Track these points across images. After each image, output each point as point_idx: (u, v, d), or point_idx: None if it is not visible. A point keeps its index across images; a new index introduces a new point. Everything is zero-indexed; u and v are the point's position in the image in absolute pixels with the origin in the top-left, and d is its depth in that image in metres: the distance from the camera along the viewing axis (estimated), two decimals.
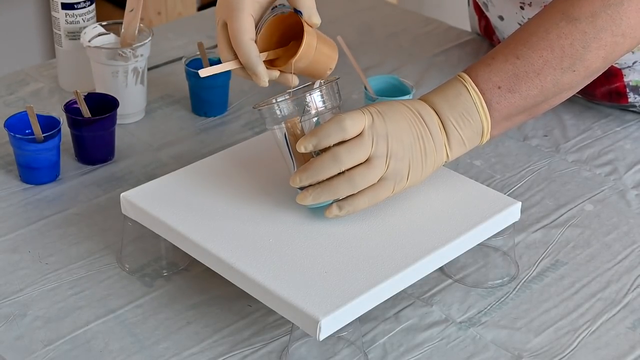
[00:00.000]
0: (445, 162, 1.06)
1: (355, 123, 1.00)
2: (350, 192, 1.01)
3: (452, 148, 1.06)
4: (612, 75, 1.35)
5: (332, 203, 1.02)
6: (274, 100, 1.05)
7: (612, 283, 1.10)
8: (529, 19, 1.35)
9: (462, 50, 1.59)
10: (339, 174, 1.01)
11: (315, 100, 1.04)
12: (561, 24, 1.06)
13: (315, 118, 1.04)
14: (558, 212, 1.21)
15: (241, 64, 1.06)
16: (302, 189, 1.03)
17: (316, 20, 1.09)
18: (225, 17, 1.07)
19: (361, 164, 1.01)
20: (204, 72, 1.07)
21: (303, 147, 1.01)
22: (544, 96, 1.08)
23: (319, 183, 1.01)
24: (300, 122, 1.03)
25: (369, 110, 1.02)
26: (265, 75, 1.06)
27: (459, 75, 1.07)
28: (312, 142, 1.01)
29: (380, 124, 1.01)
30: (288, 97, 1.05)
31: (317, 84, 1.05)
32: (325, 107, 1.04)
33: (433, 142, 1.04)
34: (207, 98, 1.39)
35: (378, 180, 1.02)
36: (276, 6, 1.52)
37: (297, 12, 1.09)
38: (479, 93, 1.06)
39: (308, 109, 1.03)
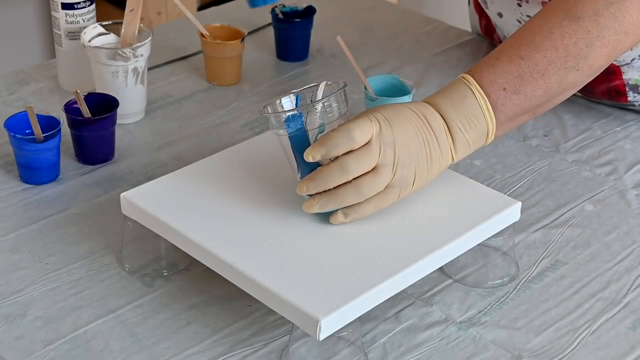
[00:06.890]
0: (450, 165, 1.06)
1: (363, 132, 1.00)
2: (357, 200, 1.01)
3: (457, 151, 1.06)
4: (611, 72, 1.35)
5: (337, 210, 1.02)
6: (280, 106, 1.04)
7: (612, 283, 1.10)
8: (527, 16, 1.35)
9: (462, 50, 1.59)
10: (346, 182, 1.01)
11: (324, 107, 1.03)
12: (564, 23, 1.06)
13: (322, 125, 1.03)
14: (558, 212, 1.21)
15: None
16: (308, 195, 1.03)
17: None
18: None
19: (368, 172, 1.01)
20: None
21: (311, 157, 1.00)
22: (549, 96, 1.08)
23: (325, 191, 1.01)
24: (307, 130, 1.02)
25: (376, 118, 1.02)
26: None
27: (462, 77, 1.07)
28: (321, 152, 1.00)
29: (388, 132, 1.01)
30: (295, 100, 1.04)
31: (322, 86, 1.04)
32: (333, 114, 1.03)
33: (439, 147, 1.04)
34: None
35: (384, 188, 1.02)
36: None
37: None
38: (484, 95, 1.06)
39: (316, 115, 1.02)
